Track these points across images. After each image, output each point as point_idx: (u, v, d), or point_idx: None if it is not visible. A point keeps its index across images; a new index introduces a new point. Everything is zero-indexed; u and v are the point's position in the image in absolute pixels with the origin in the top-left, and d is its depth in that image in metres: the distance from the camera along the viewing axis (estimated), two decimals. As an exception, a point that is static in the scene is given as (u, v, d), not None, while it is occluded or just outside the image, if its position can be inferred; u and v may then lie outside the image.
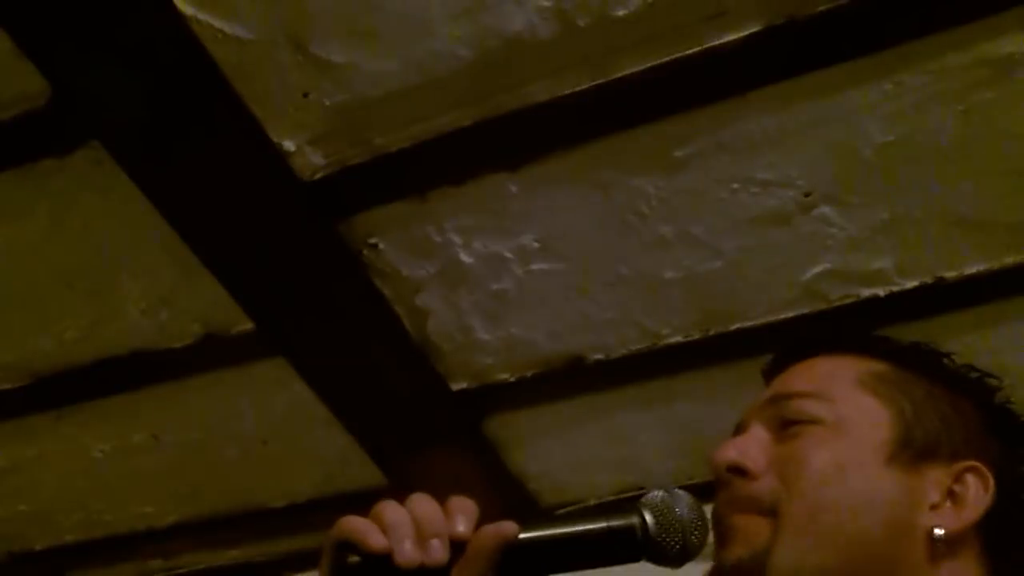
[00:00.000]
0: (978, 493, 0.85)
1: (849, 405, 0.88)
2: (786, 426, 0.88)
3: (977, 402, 0.92)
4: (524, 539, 0.83)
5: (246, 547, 2.29)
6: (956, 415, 0.90)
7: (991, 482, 0.85)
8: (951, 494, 0.85)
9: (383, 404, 1.79)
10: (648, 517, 0.81)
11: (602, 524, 0.82)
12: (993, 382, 0.95)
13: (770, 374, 0.99)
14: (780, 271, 1.57)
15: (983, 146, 1.39)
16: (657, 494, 0.83)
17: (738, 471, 0.86)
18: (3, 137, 1.42)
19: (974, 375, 0.95)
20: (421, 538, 0.77)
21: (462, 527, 0.80)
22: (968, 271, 1.55)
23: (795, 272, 1.57)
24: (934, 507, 0.84)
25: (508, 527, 0.81)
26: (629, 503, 0.83)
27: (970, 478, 0.86)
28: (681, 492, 0.84)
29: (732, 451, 0.88)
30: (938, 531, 0.83)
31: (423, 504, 0.80)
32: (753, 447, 0.88)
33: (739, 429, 0.93)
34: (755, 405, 0.94)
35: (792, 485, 0.84)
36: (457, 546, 0.79)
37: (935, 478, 0.86)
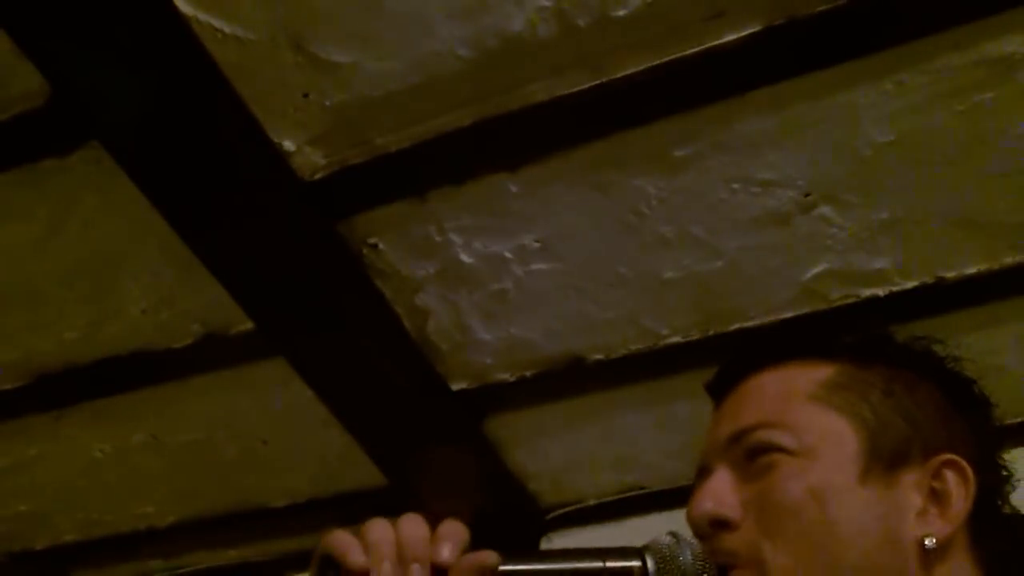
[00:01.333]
0: (959, 488, 0.83)
1: (810, 428, 0.85)
2: (750, 460, 0.86)
3: (936, 380, 0.89)
4: (505, 571, 0.80)
5: (246, 547, 2.29)
6: (918, 406, 0.87)
7: (970, 473, 0.83)
8: (933, 493, 0.83)
9: (383, 404, 1.79)
10: (650, 564, 0.79)
11: (597, 564, 0.80)
12: (940, 349, 0.91)
13: (716, 391, 0.96)
14: (780, 271, 1.57)
15: (983, 146, 1.39)
16: (664, 540, 0.82)
17: (719, 524, 0.84)
18: (3, 137, 1.42)
19: (921, 347, 0.91)
20: (403, 561, 0.76)
21: (446, 554, 0.77)
22: (968, 271, 1.55)
23: (795, 272, 1.57)
24: (920, 514, 0.82)
25: (488, 557, 0.79)
26: (631, 548, 0.81)
27: (949, 473, 0.83)
28: (690, 540, 0.83)
29: (708, 502, 0.85)
30: (929, 541, 0.80)
31: (410, 526, 0.78)
32: (726, 493, 0.85)
33: (703, 472, 0.90)
34: (714, 443, 0.90)
35: (771, 528, 0.81)
36: (439, 572, 0.77)
37: (913, 481, 0.83)
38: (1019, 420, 1.77)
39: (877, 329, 0.94)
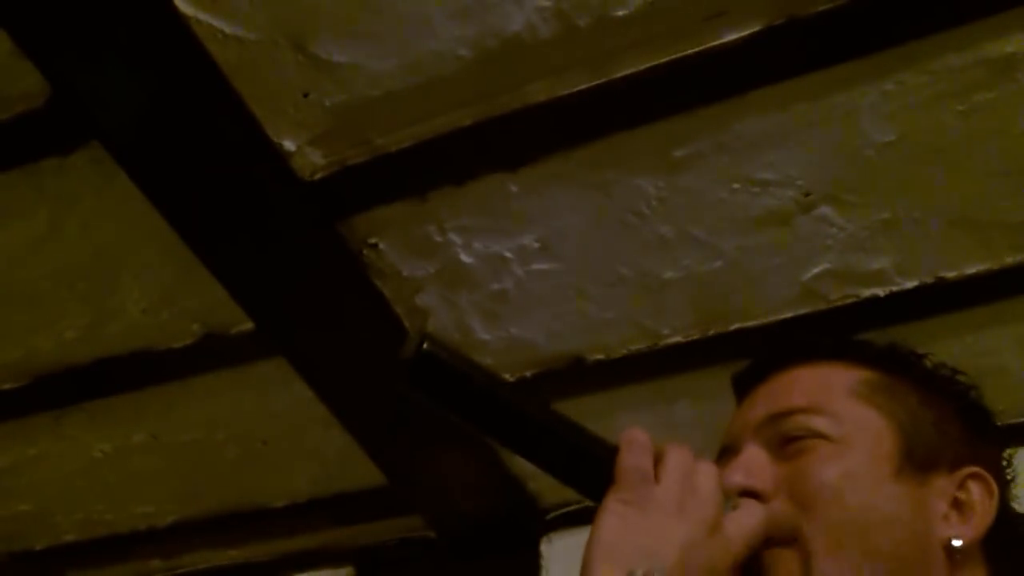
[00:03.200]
0: (984, 500, 0.84)
1: (849, 418, 0.86)
2: (786, 443, 0.86)
3: (958, 405, 0.91)
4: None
5: (246, 547, 2.29)
6: (947, 421, 0.89)
7: (994, 487, 0.85)
8: (956, 503, 0.84)
9: (383, 404, 1.79)
10: None
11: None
12: (965, 379, 0.94)
13: (746, 383, 0.96)
14: (780, 271, 1.57)
15: (983, 146, 1.39)
16: None
17: (749, 495, 0.83)
18: (3, 137, 1.42)
19: (946, 373, 0.94)
20: None
21: None
22: (968, 271, 1.55)
23: (795, 272, 1.57)
24: (944, 518, 0.83)
25: None
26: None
27: (973, 485, 0.85)
28: None
29: (738, 474, 0.84)
30: (956, 542, 0.82)
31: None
32: (758, 466, 0.85)
33: (728, 451, 0.90)
34: (745, 424, 0.90)
35: (809, 506, 0.81)
36: None
37: (940, 488, 0.85)
38: (1019, 420, 1.77)
39: (895, 345, 0.95)
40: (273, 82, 1.34)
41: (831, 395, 0.88)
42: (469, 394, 0.82)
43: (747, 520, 0.78)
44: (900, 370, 0.91)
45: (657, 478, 0.78)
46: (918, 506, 0.83)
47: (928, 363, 0.94)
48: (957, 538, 0.82)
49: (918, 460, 0.85)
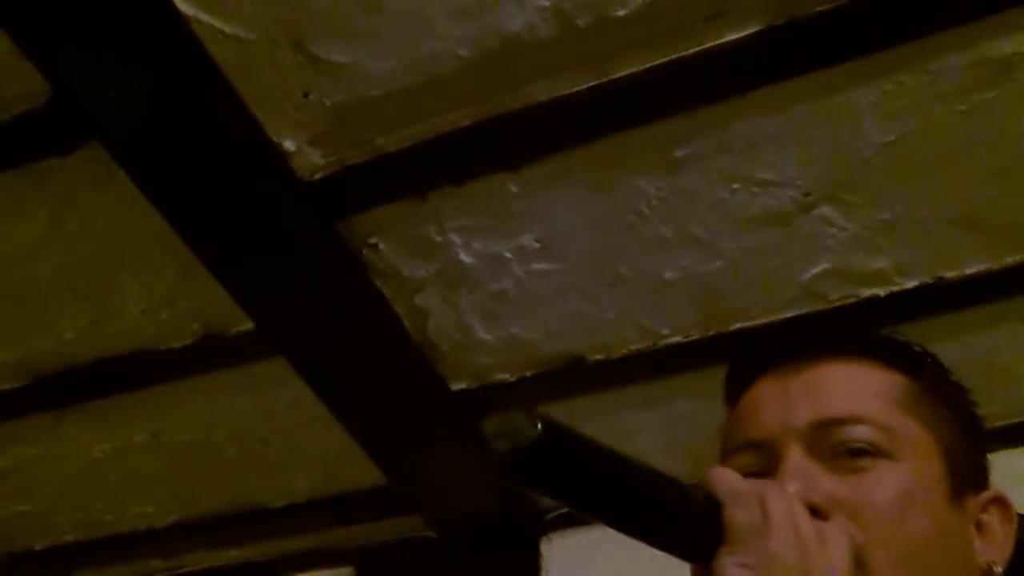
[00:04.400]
0: (1005, 525, 0.82)
1: (901, 433, 0.81)
2: (838, 455, 0.80)
3: (975, 422, 0.88)
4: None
5: (246, 547, 2.29)
6: (972, 439, 0.86)
7: (1013, 511, 0.83)
8: (979, 525, 0.82)
9: (383, 404, 1.79)
10: None
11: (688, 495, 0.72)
12: (971, 396, 0.90)
13: (759, 366, 0.89)
14: (780, 271, 1.57)
15: (983, 146, 1.39)
16: None
17: (815, 512, 0.76)
18: (3, 137, 1.42)
19: (963, 386, 0.90)
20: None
21: None
22: (968, 271, 1.55)
23: (795, 272, 1.57)
24: (975, 543, 0.81)
25: None
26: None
27: (994, 509, 0.83)
28: None
29: (795, 484, 0.77)
30: (997, 568, 0.79)
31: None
32: (815, 479, 0.79)
33: (760, 447, 0.83)
34: (786, 424, 0.83)
35: (872, 529, 0.76)
36: None
37: (971, 509, 0.82)
38: (1019, 420, 1.77)
39: (926, 349, 0.91)
40: (273, 82, 1.34)
41: (880, 404, 0.83)
42: (596, 481, 0.71)
43: (839, 554, 0.72)
44: (930, 379, 0.87)
45: (767, 532, 0.70)
46: (963, 531, 0.81)
47: (950, 375, 0.90)
48: (995, 563, 0.80)
49: (958, 481, 0.82)
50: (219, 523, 2.18)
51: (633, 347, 1.70)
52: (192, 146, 1.37)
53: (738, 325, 1.65)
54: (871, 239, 1.52)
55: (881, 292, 1.58)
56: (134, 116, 1.34)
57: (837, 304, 1.60)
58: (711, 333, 1.67)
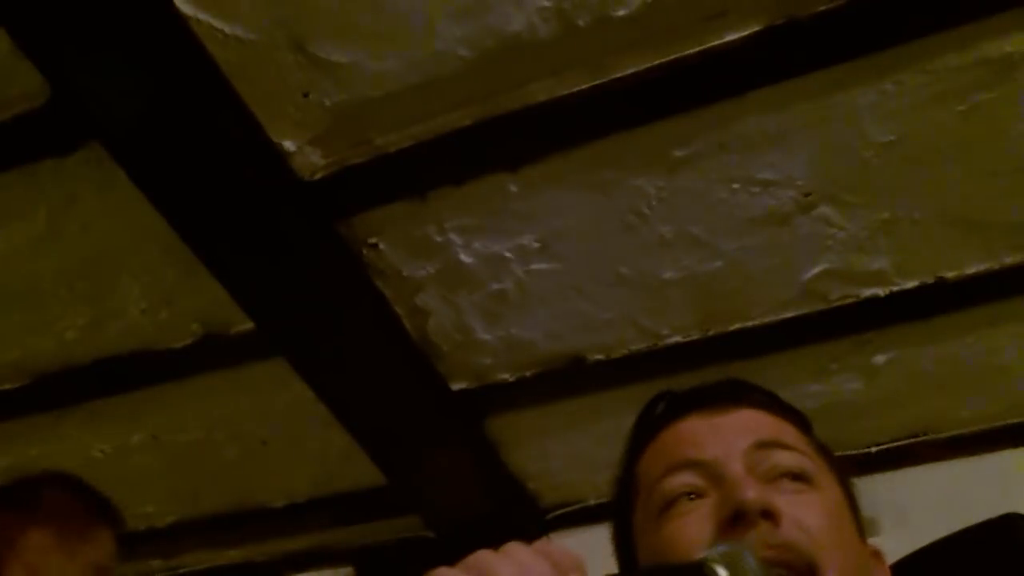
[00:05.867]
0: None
1: (821, 468, 0.86)
2: (778, 479, 0.84)
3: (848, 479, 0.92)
4: None
5: (246, 547, 2.29)
6: (854, 496, 0.90)
7: (887, 568, 0.88)
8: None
9: (383, 404, 1.79)
10: (722, 572, 0.74)
11: None
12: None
13: (688, 405, 0.94)
14: (780, 271, 1.57)
15: (983, 146, 1.39)
16: (720, 548, 0.77)
17: (768, 515, 0.81)
18: (3, 137, 1.42)
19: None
20: None
21: None
22: (968, 271, 1.55)
23: (795, 272, 1.57)
24: None
25: None
26: (691, 565, 0.76)
27: (875, 561, 0.88)
28: (738, 544, 0.79)
29: (753, 492, 0.81)
30: None
31: (535, 562, 0.69)
32: (764, 491, 0.82)
33: (699, 466, 0.86)
34: (729, 448, 0.86)
35: (821, 543, 0.80)
36: None
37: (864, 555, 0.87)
38: (1019, 420, 1.77)
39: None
40: (273, 82, 1.34)
41: (806, 446, 0.88)
42: None
43: None
44: (816, 438, 0.92)
45: None
46: (869, 569, 0.86)
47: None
48: None
49: (858, 523, 0.88)
50: (219, 523, 2.18)
51: (633, 347, 1.71)
52: (192, 146, 1.37)
53: (738, 325, 1.65)
54: (871, 239, 1.52)
55: (881, 292, 1.59)
56: (134, 116, 1.34)
57: (837, 304, 1.60)
58: (711, 333, 1.67)
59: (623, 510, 0.92)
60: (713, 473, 0.85)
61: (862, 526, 0.88)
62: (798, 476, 0.85)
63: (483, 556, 0.68)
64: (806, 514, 0.82)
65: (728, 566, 0.74)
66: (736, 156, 1.43)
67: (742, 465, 0.84)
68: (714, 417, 0.90)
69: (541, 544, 0.71)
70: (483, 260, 1.58)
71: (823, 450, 0.90)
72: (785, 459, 0.85)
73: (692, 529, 0.83)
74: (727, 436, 0.88)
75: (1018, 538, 0.92)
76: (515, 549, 0.69)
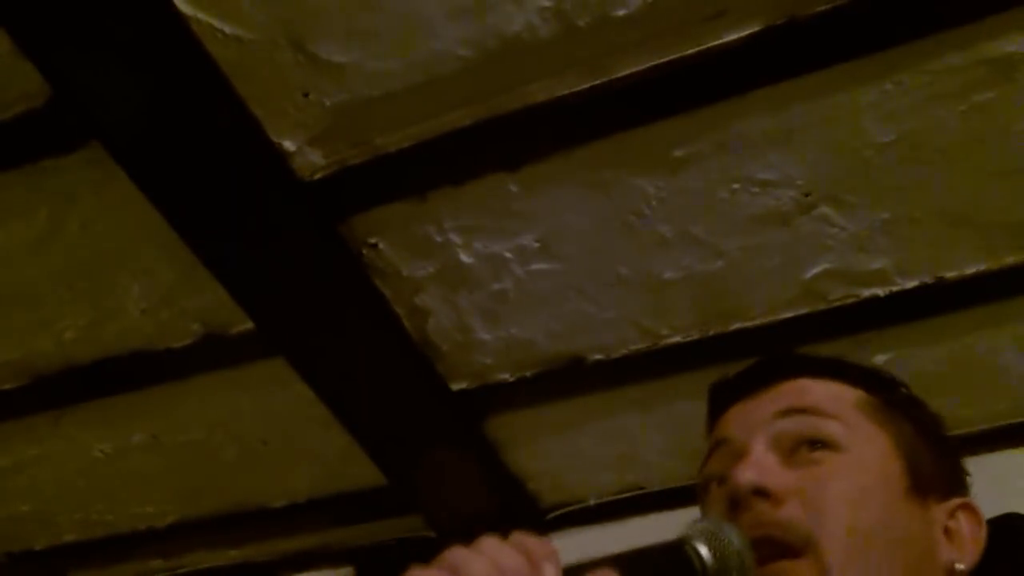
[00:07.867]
0: (974, 530, 0.85)
1: (860, 432, 0.85)
2: (798, 447, 0.84)
3: (940, 436, 0.92)
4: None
5: (246, 547, 2.28)
6: (936, 450, 0.90)
7: (982, 518, 0.86)
8: (947, 531, 0.85)
9: (383, 404, 1.79)
10: (703, 551, 0.74)
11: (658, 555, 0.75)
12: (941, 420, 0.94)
13: (735, 392, 0.94)
14: (780, 271, 1.57)
15: (983, 146, 1.39)
16: (701, 524, 0.78)
17: (762, 494, 0.81)
18: (3, 137, 1.42)
19: (924, 404, 0.94)
20: None
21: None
22: (968, 271, 1.55)
23: (795, 272, 1.57)
24: (940, 544, 0.84)
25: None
26: (674, 542, 0.76)
27: (962, 515, 0.86)
28: (721, 521, 0.80)
29: (750, 472, 0.82)
30: (959, 566, 0.82)
31: (508, 556, 0.70)
32: (771, 467, 0.83)
33: (726, 444, 0.88)
34: (751, 420, 0.88)
35: (824, 517, 0.80)
36: None
37: (936, 514, 0.85)
38: (1019, 420, 1.77)
39: (886, 370, 0.96)
40: (273, 82, 1.34)
41: (839, 405, 0.87)
42: None
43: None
44: (891, 397, 0.92)
45: None
46: (926, 530, 0.84)
47: (912, 393, 0.94)
48: (959, 562, 0.83)
49: (919, 485, 0.85)
50: (219, 523, 2.18)
51: (633, 347, 1.71)
52: (192, 146, 1.37)
53: (738, 325, 1.65)
54: (871, 239, 1.52)
55: (881, 292, 1.58)
56: (134, 116, 1.34)
57: (837, 304, 1.60)
58: (711, 333, 1.67)
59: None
60: (736, 450, 0.87)
61: (932, 482, 0.86)
62: (817, 442, 0.84)
63: (456, 553, 0.70)
64: (818, 487, 0.81)
65: (708, 543, 0.75)
66: (736, 156, 1.43)
67: (764, 439, 0.85)
68: (759, 395, 0.91)
69: (515, 536, 0.72)
70: (483, 260, 1.58)
71: (883, 410, 0.88)
72: (805, 425, 0.85)
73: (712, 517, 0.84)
74: (753, 413, 0.89)
75: (1018, 538, 0.92)
76: (488, 543, 0.71)
